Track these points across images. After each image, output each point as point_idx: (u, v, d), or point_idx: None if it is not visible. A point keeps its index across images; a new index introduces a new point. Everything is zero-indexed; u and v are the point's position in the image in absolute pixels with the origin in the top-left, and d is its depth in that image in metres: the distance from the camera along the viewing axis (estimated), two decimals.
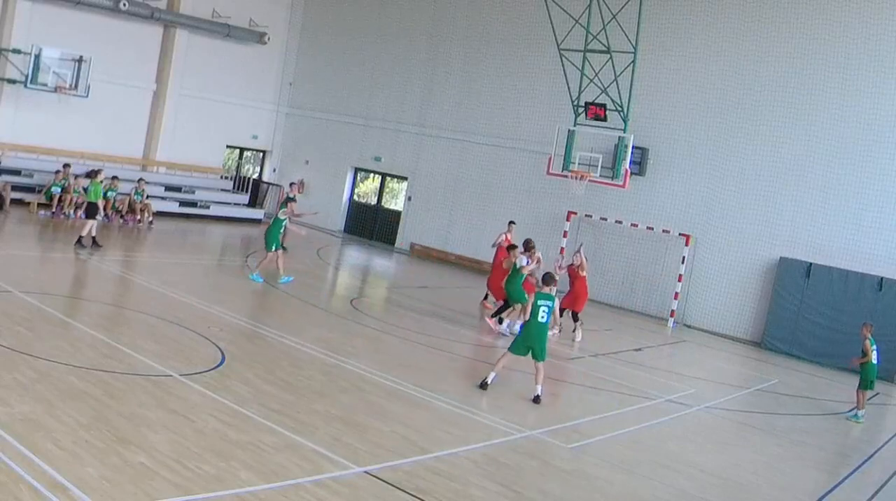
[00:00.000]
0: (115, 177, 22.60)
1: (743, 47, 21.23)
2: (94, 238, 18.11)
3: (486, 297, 19.40)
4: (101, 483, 6.68)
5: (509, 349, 12.11)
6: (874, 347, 14.46)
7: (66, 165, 22.77)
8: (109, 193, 22.27)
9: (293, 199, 19.63)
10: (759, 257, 20.77)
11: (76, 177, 22.71)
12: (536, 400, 11.79)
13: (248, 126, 30.02)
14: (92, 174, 18.94)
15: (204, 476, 7.24)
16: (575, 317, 16.92)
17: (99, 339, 11.09)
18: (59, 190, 22.24)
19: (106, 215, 21.95)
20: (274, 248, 17.52)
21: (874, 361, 14.38)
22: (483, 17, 26.30)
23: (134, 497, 6.59)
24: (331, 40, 29.98)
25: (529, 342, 11.85)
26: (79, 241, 17.98)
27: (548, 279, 12.23)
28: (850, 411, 14.53)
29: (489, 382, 11.94)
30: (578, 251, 17.52)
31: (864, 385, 14.34)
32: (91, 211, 18.32)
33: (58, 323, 11.56)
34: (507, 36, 25.65)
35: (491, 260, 19.76)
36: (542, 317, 11.78)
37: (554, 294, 12.17)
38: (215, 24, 27.64)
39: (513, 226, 19.93)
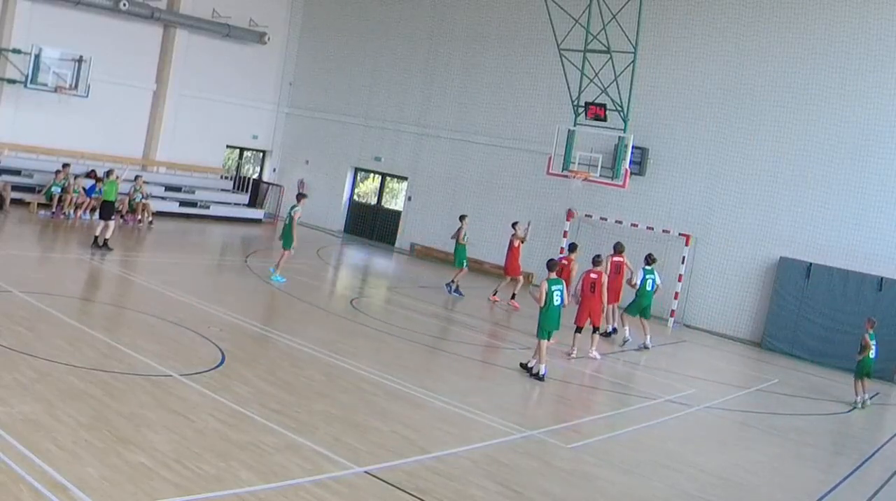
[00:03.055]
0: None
1: (743, 47, 21.20)
2: (106, 240, 18.04)
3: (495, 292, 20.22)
4: (101, 483, 6.68)
5: (538, 336, 13.04)
6: (874, 341, 15.20)
7: (66, 165, 22.77)
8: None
9: (305, 195, 20.16)
10: (759, 257, 20.76)
11: (76, 177, 22.74)
12: (539, 376, 12.89)
13: (248, 126, 30.00)
14: (106, 174, 19.05)
15: (204, 476, 7.24)
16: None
17: (99, 339, 11.10)
18: (59, 190, 22.24)
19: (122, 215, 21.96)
20: (291, 247, 17.86)
21: (872, 355, 15.12)
22: (483, 17, 26.27)
23: (134, 497, 6.59)
24: (331, 40, 29.96)
25: (551, 326, 12.97)
26: (95, 242, 17.96)
27: (551, 265, 13.35)
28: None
29: (543, 374, 12.91)
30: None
31: (860, 375, 15.19)
32: (106, 211, 18.27)
33: (58, 323, 11.55)
34: (507, 36, 25.62)
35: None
36: (557, 301, 13.00)
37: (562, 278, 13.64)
38: (215, 23, 27.64)
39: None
